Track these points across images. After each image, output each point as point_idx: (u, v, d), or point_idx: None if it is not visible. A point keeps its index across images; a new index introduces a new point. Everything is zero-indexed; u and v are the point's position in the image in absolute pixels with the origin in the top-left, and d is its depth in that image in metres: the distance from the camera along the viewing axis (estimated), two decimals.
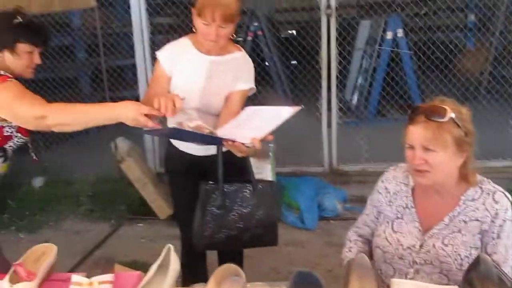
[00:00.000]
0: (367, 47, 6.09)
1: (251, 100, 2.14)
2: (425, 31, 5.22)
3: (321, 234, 3.53)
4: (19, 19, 1.88)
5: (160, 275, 1.21)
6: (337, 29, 4.04)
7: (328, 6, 3.97)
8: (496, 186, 1.60)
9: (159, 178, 4.21)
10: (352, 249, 1.79)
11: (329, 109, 4.22)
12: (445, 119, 1.47)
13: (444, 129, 1.48)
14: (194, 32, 1.97)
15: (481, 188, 1.58)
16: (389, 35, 5.55)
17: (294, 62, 7.37)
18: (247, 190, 1.97)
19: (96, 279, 1.16)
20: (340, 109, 4.31)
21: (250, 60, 2.11)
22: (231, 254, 2.23)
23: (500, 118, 4.34)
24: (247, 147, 1.69)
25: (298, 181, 3.90)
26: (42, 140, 5.03)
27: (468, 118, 1.54)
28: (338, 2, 4.02)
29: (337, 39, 4.05)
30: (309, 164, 4.30)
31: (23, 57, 1.90)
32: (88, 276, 1.17)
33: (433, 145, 1.48)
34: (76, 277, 1.18)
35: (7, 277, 1.21)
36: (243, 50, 2.11)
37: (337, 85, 4.16)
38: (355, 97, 6.21)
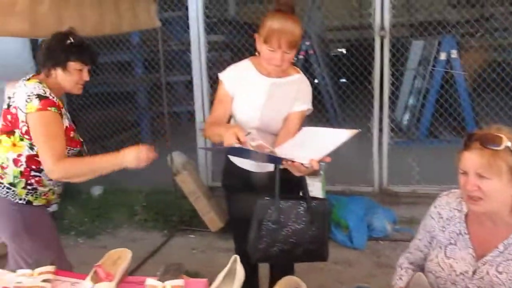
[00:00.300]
0: (420, 68, 6.05)
1: None
2: (481, 52, 5.13)
3: (369, 254, 3.53)
4: (71, 40, 2.07)
5: (226, 284, 1.31)
6: (390, 50, 4.07)
7: (382, 28, 4.00)
8: None
9: (211, 192, 4.34)
10: (402, 277, 1.80)
11: (380, 129, 4.23)
12: (501, 148, 1.48)
13: (499, 157, 1.48)
14: (253, 54, 2.08)
15: None
16: (442, 55, 5.50)
17: (343, 80, 7.40)
18: (302, 207, 2.02)
19: (169, 283, 1.27)
20: (391, 129, 4.31)
21: (308, 81, 2.19)
22: (283, 267, 2.30)
23: None
24: (306, 167, 1.75)
25: (348, 200, 3.91)
26: (102, 151, 5.31)
27: None
28: (392, 23, 4.05)
29: (390, 60, 4.07)
30: (359, 183, 4.32)
31: (73, 74, 2.09)
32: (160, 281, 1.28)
33: (487, 172, 1.49)
34: (150, 280, 1.29)
35: (89, 277, 1.34)
36: (301, 72, 2.20)
37: (389, 106, 4.18)
38: (406, 118, 6.17)
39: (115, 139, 5.66)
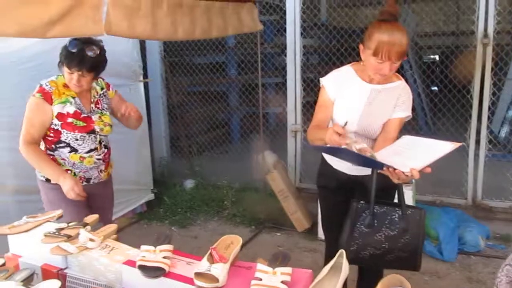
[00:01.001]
0: None
1: None
2: None
3: (459, 268, 3.43)
4: (67, 46, 2.34)
5: (330, 277, 1.40)
6: (492, 58, 3.90)
7: (485, 35, 3.85)
8: None
9: (298, 192, 4.43)
10: None
11: (476, 140, 4.08)
12: None
13: None
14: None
15: None
16: None
17: (434, 88, 7.17)
18: (396, 214, 2.04)
19: (278, 269, 1.38)
20: (489, 141, 4.13)
21: (409, 88, 2.20)
22: (372, 271, 2.33)
23: None
24: (406, 175, 1.76)
25: (440, 211, 3.81)
26: (196, 147, 5.61)
27: None
28: (496, 31, 3.89)
29: (492, 69, 3.91)
30: (450, 194, 4.20)
31: (65, 75, 2.39)
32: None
33: None
34: (261, 266, 1.41)
35: (205, 257, 1.49)
36: (402, 79, 2.21)
37: (487, 117, 4.01)
38: (505, 130, 5.86)
39: (209, 135, 5.94)
